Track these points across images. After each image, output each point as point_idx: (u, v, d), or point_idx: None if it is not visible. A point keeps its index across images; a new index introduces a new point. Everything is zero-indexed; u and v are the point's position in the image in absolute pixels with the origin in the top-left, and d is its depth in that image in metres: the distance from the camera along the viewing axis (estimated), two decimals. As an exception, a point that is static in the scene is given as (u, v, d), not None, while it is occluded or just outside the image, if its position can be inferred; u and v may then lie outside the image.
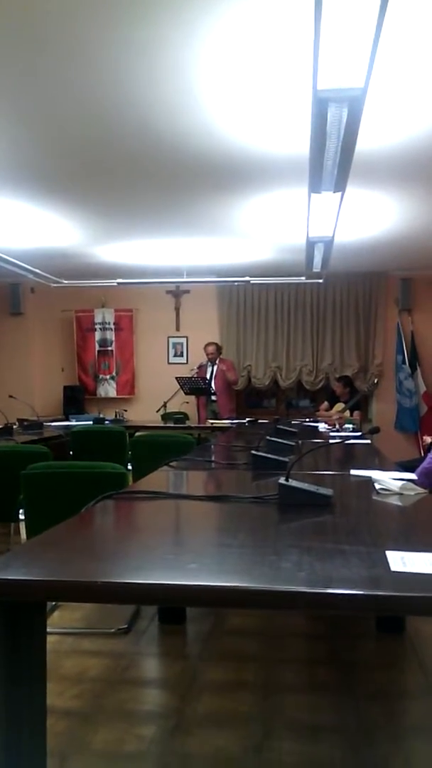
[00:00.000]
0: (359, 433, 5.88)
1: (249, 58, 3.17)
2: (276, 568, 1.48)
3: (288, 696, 2.69)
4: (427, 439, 6.49)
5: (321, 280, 8.36)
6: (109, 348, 9.76)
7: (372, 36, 2.33)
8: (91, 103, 3.69)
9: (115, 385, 9.78)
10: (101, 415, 8.46)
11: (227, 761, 2.23)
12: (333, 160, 3.51)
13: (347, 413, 7.89)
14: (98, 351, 9.77)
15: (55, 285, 8.55)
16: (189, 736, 2.40)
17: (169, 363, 9.64)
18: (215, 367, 8.76)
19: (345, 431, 6.05)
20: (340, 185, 4.04)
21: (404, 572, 1.40)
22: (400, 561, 1.46)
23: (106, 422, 7.63)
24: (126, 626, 3.38)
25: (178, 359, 9.66)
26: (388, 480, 2.56)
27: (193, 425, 7.80)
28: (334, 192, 4.18)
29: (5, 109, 3.73)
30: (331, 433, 5.79)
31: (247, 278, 8.33)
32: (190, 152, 4.40)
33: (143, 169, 4.79)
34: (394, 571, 1.41)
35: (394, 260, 8.24)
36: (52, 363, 9.79)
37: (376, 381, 9.14)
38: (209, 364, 8.83)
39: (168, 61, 3.21)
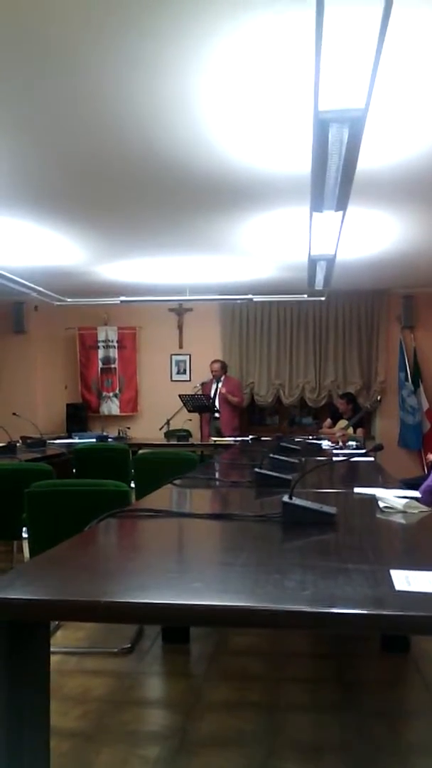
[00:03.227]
0: (362, 451, 5.87)
1: (251, 79, 3.21)
2: (280, 587, 1.48)
3: (292, 715, 2.67)
4: (431, 457, 6.48)
5: (323, 298, 8.39)
6: (113, 365, 9.78)
7: (373, 57, 2.35)
8: (94, 123, 3.73)
9: (118, 403, 9.79)
10: (104, 433, 8.46)
11: (231, 783, 2.21)
12: (334, 179, 3.53)
13: (350, 430, 7.88)
14: (101, 368, 9.80)
15: (58, 303, 8.59)
16: (193, 756, 2.38)
17: (172, 380, 9.65)
18: (219, 385, 8.76)
19: (348, 448, 6.04)
20: (341, 204, 4.06)
21: (408, 591, 1.40)
22: (405, 580, 1.46)
23: (110, 440, 7.63)
24: (129, 646, 3.37)
25: (181, 377, 9.67)
26: (391, 498, 2.56)
27: (196, 443, 7.79)
28: (336, 211, 4.21)
29: (8, 127, 3.77)
30: (335, 451, 5.78)
31: (249, 296, 8.36)
32: (193, 171, 4.43)
33: (146, 188, 4.82)
34: (398, 590, 1.40)
35: (396, 278, 8.27)
36: (55, 381, 9.81)
37: (379, 398, 9.14)
38: (214, 381, 8.83)
39: (171, 81, 3.24)
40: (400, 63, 3.04)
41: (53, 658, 2.49)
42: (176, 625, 3.27)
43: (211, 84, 3.26)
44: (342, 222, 4.61)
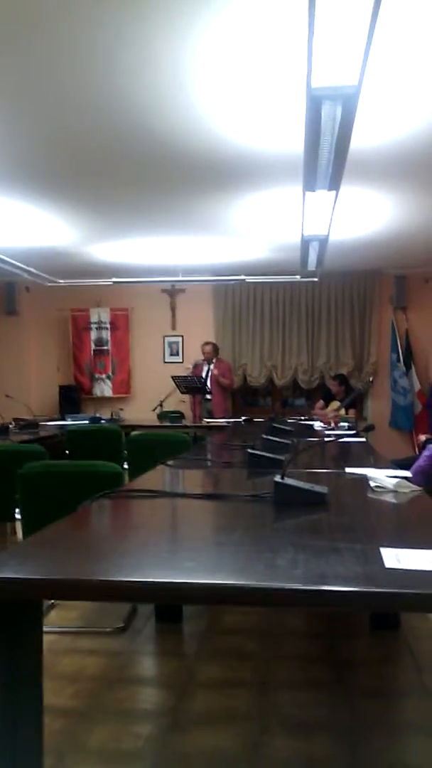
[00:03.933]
0: (354, 431, 5.89)
1: (243, 56, 3.17)
2: (271, 565, 1.49)
3: (283, 693, 2.70)
4: (422, 437, 6.50)
5: (316, 279, 8.37)
6: (105, 347, 9.76)
7: (366, 33, 2.33)
8: (85, 102, 3.69)
9: (111, 385, 9.78)
10: (97, 415, 8.45)
11: (223, 759, 2.24)
12: (327, 158, 3.51)
13: (342, 411, 7.89)
14: (94, 350, 9.77)
15: (50, 284, 8.54)
16: (185, 734, 2.40)
17: (164, 362, 9.64)
18: (211, 366, 8.75)
19: (340, 429, 6.06)
20: (334, 183, 4.04)
21: (398, 569, 1.41)
22: (395, 558, 1.47)
23: (102, 421, 7.63)
24: (123, 625, 3.39)
25: (173, 358, 9.66)
26: (382, 478, 2.57)
27: (189, 424, 7.79)
28: (329, 190, 4.19)
29: (0, 108, 3.73)
30: (327, 432, 5.80)
31: (242, 277, 8.33)
32: (185, 150, 4.40)
33: (138, 167, 4.78)
34: (388, 568, 1.41)
35: (389, 258, 8.26)
36: (47, 362, 9.78)
37: (371, 379, 9.15)
38: (205, 363, 8.83)
39: (162, 59, 3.21)
40: (393, 40, 3.01)
41: (47, 638, 2.50)
42: (169, 603, 3.29)
43: (203, 61, 3.23)
44: (335, 202, 4.59)
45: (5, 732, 1.41)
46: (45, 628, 1.67)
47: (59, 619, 3.49)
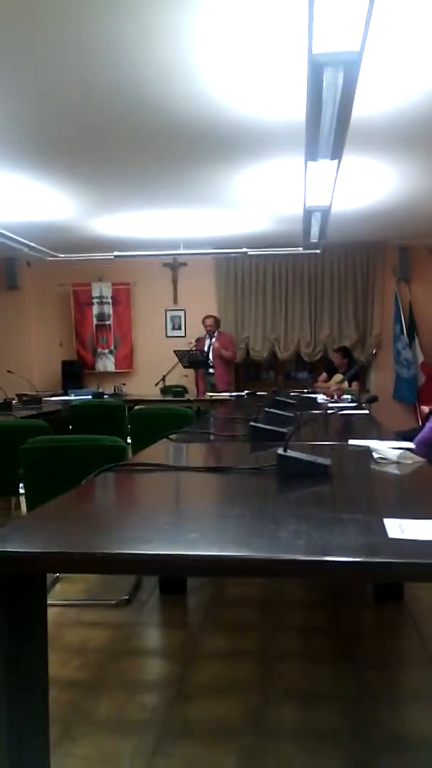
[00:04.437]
0: (357, 404, 5.88)
1: (244, 23, 3.11)
2: (275, 537, 1.49)
3: (287, 664, 2.72)
4: (425, 409, 6.50)
5: (318, 251, 8.30)
6: (107, 322, 9.73)
7: (368, -2, 2.28)
8: (85, 73, 3.63)
9: (113, 359, 9.77)
10: (100, 390, 8.46)
11: (228, 729, 2.26)
12: (329, 126, 3.46)
13: (345, 384, 7.89)
14: (96, 325, 9.74)
15: (51, 259, 8.49)
16: (190, 704, 2.43)
17: (167, 336, 9.62)
18: (213, 340, 8.73)
19: (343, 402, 6.05)
20: (336, 152, 3.99)
21: (402, 539, 1.40)
22: (398, 528, 1.46)
23: (105, 396, 7.63)
24: (127, 597, 3.41)
25: (176, 332, 9.63)
26: (386, 449, 2.56)
27: (191, 398, 7.79)
28: (331, 159, 4.13)
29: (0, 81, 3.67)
30: (330, 404, 5.79)
31: (244, 250, 8.28)
32: (186, 121, 4.34)
33: (138, 139, 4.73)
34: (391, 538, 1.41)
35: (392, 229, 8.18)
36: (49, 338, 9.77)
37: (374, 351, 9.13)
38: (207, 336, 8.80)
39: (162, 28, 3.15)
40: (396, 5, 2.94)
41: (52, 611, 2.52)
42: (173, 575, 3.31)
43: (203, 30, 3.17)
44: (337, 171, 4.54)
45: (11, 704, 1.42)
46: (50, 601, 1.68)
47: (64, 592, 3.51)
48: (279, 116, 4.22)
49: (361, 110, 3.91)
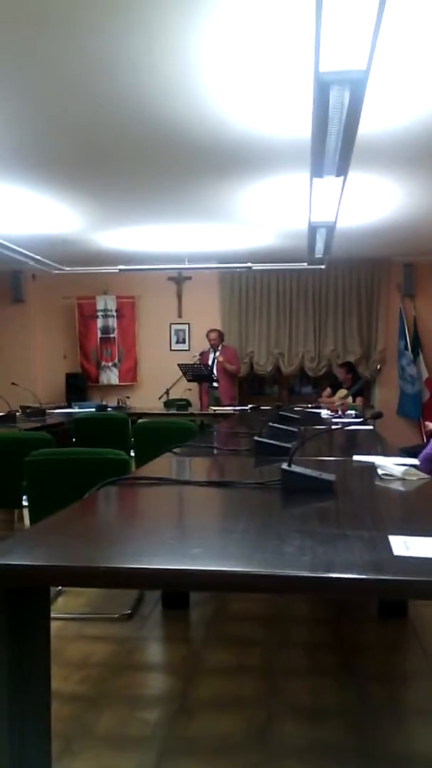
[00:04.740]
0: (361, 419, 5.87)
1: (250, 41, 3.14)
2: (279, 552, 1.49)
3: (291, 680, 2.70)
4: (430, 425, 6.49)
5: (323, 266, 8.33)
6: (112, 335, 9.75)
7: (374, 17, 2.30)
8: (91, 88, 3.66)
9: (117, 373, 9.78)
10: (104, 403, 8.47)
11: (231, 745, 2.25)
12: (335, 143, 3.48)
13: (350, 399, 7.89)
14: (100, 338, 9.77)
15: (56, 272, 8.53)
16: (192, 720, 2.41)
17: (171, 350, 9.63)
18: (217, 354, 8.74)
19: (347, 417, 6.05)
20: (342, 169, 4.01)
21: (407, 556, 1.40)
22: (403, 545, 1.46)
23: (109, 409, 7.64)
24: (130, 612, 3.40)
25: (180, 346, 9.65)
26: (390, 465, 2.56)
27: (195, 412, 7.80)
28: (337, 176, 4.16)
29: (4, 93, 3.71)
30: (334, 419, 5.79)
31: (249, 264, 8.30)
32: (191, 136, 4.37)
33: (144, 154, 4.76)
34: (396, 556, 1.41)
35: (397, 246, 8.21)
36: (54, 350, 9.79)
37: (378, 367, 9.13)
38: (211, 350, 8.81)
39: (169, 43, 3.18)
40: (402, 24, 2.97)
41: (54, 624, 2.51)
42: (175, 590, 3.30)
43: (210, 46, 3.20)
44: (342, 188, 4.56)
45: (13, 718, 1.41)
46: (52, 615, 1.67)
47: (66, 605, 3.50)
48: (284, 132, 4.25)
49: (367, 127, 3.93)
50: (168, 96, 3.75)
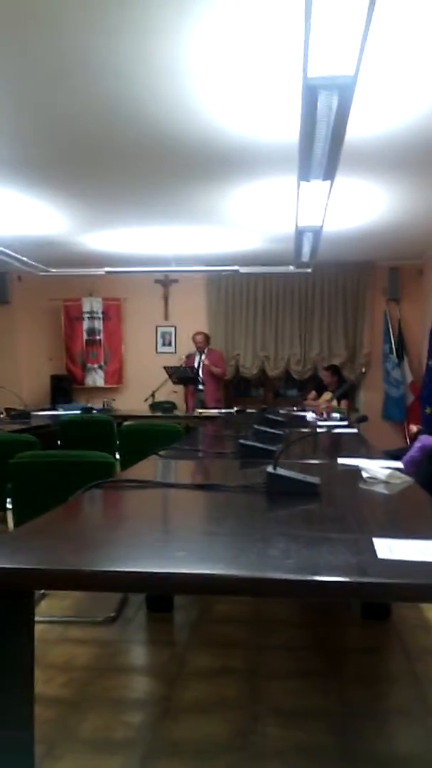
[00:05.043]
0: (346, 422, 5.90)
1: (239, 46, 3.15)
2: (263, 555, 1.49)
3: (274, 682, 2.71)
4: (414, 429, 6.53)
5: (309, 270, 8.35)
6: (97, 337, 9.72)
7: (363, 23, 2.32)
8: (78, 90, 3.66)
9: (103, 375, 9.76)
10: (89, 405, 8.44)
11: (214, 747, 2.25)
12: (322, 148, 3.50)
13: (335, 402, 7.92)
14: (86, 340, 9.74)
15: (42, 273, 8.50)
16: (176, 722, 2.41)
17: (157, 352, 9.62)
18: (203, 357, 8.75)
19: (332, 420, 6.07)
20: (329, 174, 4.03)
21: (391, 559, 1.41)
22: (387, 548, 1.47)
23: (94, 412, 7.62)
24: (113, 614, 3.39)
25: (166, 348, 9.64)
26: (374, 468, 2.57)
27: (181, 414, 7.80)
28: (324, 180, 4.18)
29: (-8, 94, 3.69)
30: (319, 422, 5.80)
31: (235, 267, 8.31)
32: (179, 139, 4.37)
33: (132, 156, 4.76)
34: (380, 559, 1.42)
35: (382, 250, 8.26)
36: (39, 352, 9.74)
37: (363, 370, 9.17)
38: (197, 353, 8.82)
39: (157, 47, 3.18)
40: (390, 30, 2.99)
41: (38, 627, 2.50)
42: (160, 593, 3.30)
43: (199, 50, 3.20)
44: (329, 192, 4.58)
45: (-4, 721, 1.40)
46: (36, 618, 1.67)
47: (50, 608, 3.49)
48: (272, 136, 4.27)
49: (354, 132, 3.96)
50: (156, 98, 3.76)
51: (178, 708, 2.51)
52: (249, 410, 7.47)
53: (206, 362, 8.65)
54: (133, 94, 3.70)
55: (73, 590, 3.32)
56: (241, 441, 3.22)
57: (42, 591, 3.60)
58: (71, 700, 2.56)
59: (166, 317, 9.68)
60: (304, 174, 4.07)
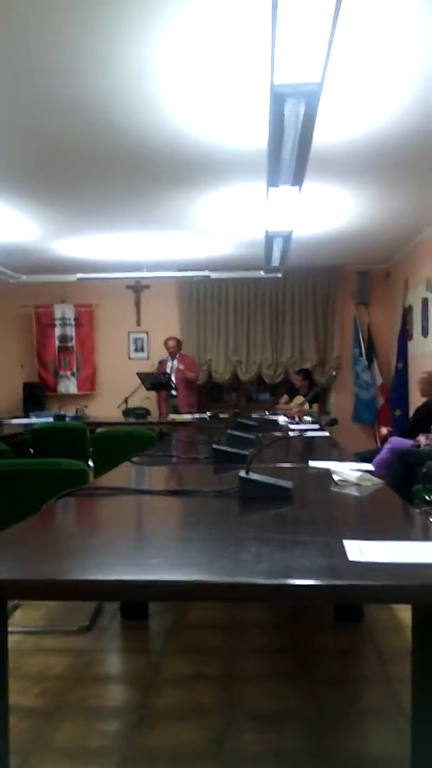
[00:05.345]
0: (318, 426, 5.94)
1: (207, 52, 3.17)
2: (236, 560, 1.50)
3: (249, 686, 2.72)
4: (384, 431, 6.60)
5: (280, 275, 8.41)
6: (70, 344, 9.68)
7: (328, 31, 2.35)
8: (47, 97, 3.65)
9: (75, 382, 9.71)
10: (62, 412, 8.38)
11: (190, 754, 2.25)
12: (290, 154, 3.54)
13: (306, 406, 7.97)
14: (58, 347, 9.68)
15: (13, 281, 8.44)
16: (152, 730, 2.41)
17: (129, 358, 9.61)
18: (175, 362, 8.75)
19: (304, 423, 6.11)
20: (297, 179, 4.07)
21: (361, 561, 1.43)
22: (357, 550, 1.49)
23: (67, 419, 7.57)
24: (88, 623, 3.37)
25: (138, 354, 9.63)
26: (345, 471, 2.60)
27: (154, 420, 7.79)
28: (292, 185, 4.21)
29: (-42, 101, 3.67)
30: (291, 426, 5.84)
31: (206, 273, 8.34)
32: (149, 146, 4.38)
33: (102, 163, 4.75)
34: (351, 561, 1.43)
35: (351, 254, 8.34)
36: (10, 359, 9.66)
37: (334, 374, 9.24)
38: (170, 358, 8.82)
39: (125, 53, 3.19)
40: (355, 38, 3.04)
41: (12, 638, 2.48)
42: (134, 600, 3.29)
43: (167, 58, 3.22)
44: (298, 197, 4.62)
45: (-31, 733, 1.39)
46: (9, 629, 1.66)
47: (24, 619, 3.46)
48: (240, 143, 4.30)
49: (321, 138, 4.00)
50: (126, 106, 3.76)
51: (154, 715, 2.51)
52: (222, 415, 7.49)
53: (181, 367, 8.65)
54: (102, 102, 3.71)
55: (47, 600, 3.31)
56: (215, 446, 3.23)
57: (15, 601, 3.57)
58: (46, 710, 2.55)
59: (138, 323, 9.67)
60: (273, 179, 4.10)
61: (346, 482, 2.51)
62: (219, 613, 3.48)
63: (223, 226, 6.60)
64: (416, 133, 4.19)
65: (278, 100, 2.91)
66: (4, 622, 1.54)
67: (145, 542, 1.86)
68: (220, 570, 1.45)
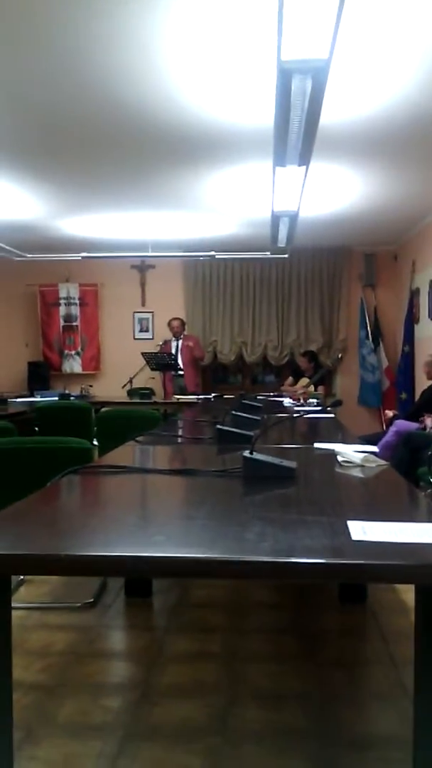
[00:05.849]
0: (322, 408, 5.93)
1: (214, 28, 3.13)
2: (240, 539, 1.50)
3: (252, 665, 2.73)
4: (389, 414, 6.59)
5: (286, 256, 8.37)
6: (74, 323, 9.66)
7: (336, 6, 2.31)
8: (54, 73, 3.61)
9: (80, 361, 9.71)
10: (66, 391, 8.40)
11: (193, 730, 2.27)
12: (297, 132, 3.50)
13: (311, 388, 7.96)
14: (63, 326, 9.67)
15: (18, 259, 8.42)
16: (155, 706, 2.43)
17: (134, 338, 9.59)
18: (180, 342, 8.74)
19: (309, 405, 6.10)
20: (304, 158, 4.03)
21: (365, 541, 1.42)
22: (361, 530, 1.49)
23: (72, 398, 7.58)
24: (92, 600, 3.39)
25: (143, 335, 9.61)
26: (350, 453, 2.59)
27: (159, 401, 7.79)
28: (299, 165, 4.18)
29: (-37, 76, 3.64)
30: (296, 408, 5.83)
31: (212, 253, 8.29)
32: (155, 124, 4.34)
33: (108, 141, 4.72)
34: (355, 540, 1.43)
35: (358, 236, 8.28)
36: (15, 338, 9.66)
37: (339, 356, 9.22)
38: (174, 339, 8.81)
39: (132, 31, 3.15)
40: (364, 14, 2.99)
41: (16, 613, 2.49)
42: (138, 577, 3.31)
43: (174, 34, 3.18)
44: (305, 177, 4.58)
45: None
46: (14, 604, 1.67)
47: (28, 595, 3.48)
48: (247, 121, 4.25)
49: (329, 118, 3.96)
50: (132, 83, 3.72)
51: (157, 692, 2.53)
52: (227, 396, 7.49)
53: (190, 344, 8.68)
54: (109, 79, 3.67)
55: (51, 575, 3.33)
56: (219, 426, 3.23)
57: (20, 577, 3.59)
58: (49, 686, 2.57)
59: (143, 303, 9.65)
60: (280, 159, 4.06)
61: (350, 463, 2.51)
62: (223, 592, 3.50)
63: (229, 205, 6.56)
64: (425, 112, 4.14)
65: (285, 76, 2.87)
66: (7, 597, 1.55)
67: (149, 520, 1.87)
68: (224, 548, 1.45)
